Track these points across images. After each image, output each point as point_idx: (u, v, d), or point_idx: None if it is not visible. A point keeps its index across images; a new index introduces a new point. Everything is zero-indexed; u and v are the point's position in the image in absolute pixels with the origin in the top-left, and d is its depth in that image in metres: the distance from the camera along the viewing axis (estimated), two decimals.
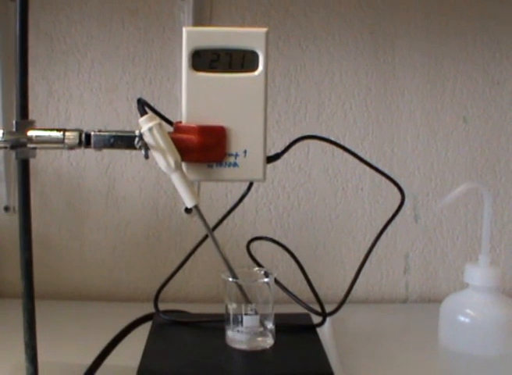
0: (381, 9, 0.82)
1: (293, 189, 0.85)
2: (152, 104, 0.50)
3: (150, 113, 0.48)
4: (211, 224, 0.53)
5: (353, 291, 0.58)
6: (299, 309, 0.59)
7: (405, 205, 0.58)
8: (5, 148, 0.47)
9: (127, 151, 0.64)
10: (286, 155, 0.54)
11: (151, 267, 0.85)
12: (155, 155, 0.48)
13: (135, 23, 0.82)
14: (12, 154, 0.48)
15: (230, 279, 0.52)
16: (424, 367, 0.62)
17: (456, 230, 0.86)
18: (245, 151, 0.50)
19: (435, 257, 0.86)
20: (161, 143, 0.47)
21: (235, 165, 0.50)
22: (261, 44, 0.49)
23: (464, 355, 0.53)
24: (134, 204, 0.84)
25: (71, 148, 0.48)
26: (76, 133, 0.48)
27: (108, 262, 0.85)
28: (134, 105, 0.59)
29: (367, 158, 0.56)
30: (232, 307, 0.53)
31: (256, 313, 0.52)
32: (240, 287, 0.52)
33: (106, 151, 0.80)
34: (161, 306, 0.60)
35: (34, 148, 0.48)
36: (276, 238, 0.60)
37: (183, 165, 0.50)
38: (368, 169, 0.56)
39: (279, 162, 0.55)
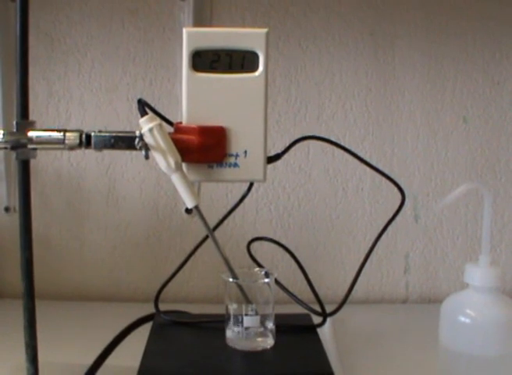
0: (381, 9, 0.83)
1: (293, 189, 0.85)
2: (152, 104, 0.50)
3: (150, 114, 0.48)
4: (212, 224, 0.53)
5: (353, 292, 0.58)
6: (299, 310, 0.59)
7: (405, 205, 0.58)
8: (6, 148, 0.47)
9: (127, 152, 0.64)
10: (286, 156, 0.54)
11: (151, 267, 0.85)
12: (156, 155, 0.48)
13: (135, 23, 0.82)
14: (13, 154, 0.48)
15: (231, 279, 0.52)
16: (424, 367, 0.62)
17: (457, 230, 0.86)
18: (245, 152, 0.50)
19: (436, 257, 0.86)
20: (162, 143, 0.47)
21: (235, 165, 0.50)
22: (262, 45, 0.50)
23: (464, 355, 0.53)
24: (134, 204, 0.84)
25: (71, 148, 0.48)
26: (76, 134, 0.48)
27: (108, 262, 0.85)
28: (134, 105, 0.60)
29: (367, 158, 0.56)
30: (232, 307, 0.53)
31: (256, 313, 0.52)
32: (240, 287, 0.52)
33: (106, 152, 0.79)
34: (162, 306, 0.60)
35: (35, 149, 0.48)
36: (276, 238, 0.60)
37: (184, 165, 0.49)
38: (368, 169, 0.56)
39: (279, 163, 0.55)
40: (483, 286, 0.54)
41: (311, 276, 0.59)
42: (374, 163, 0.56)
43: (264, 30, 0.50)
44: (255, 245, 0.60)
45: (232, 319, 0.53)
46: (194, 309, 0.65)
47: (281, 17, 0.82)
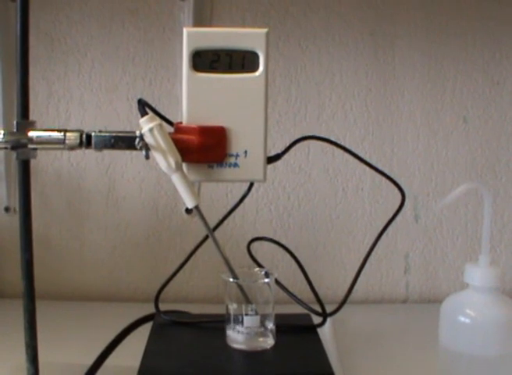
0: (381, 10, 0.83)
1: (293, 189, 0.85)
2: (153, 104, 0.50)
3: (150, 114, 0.48)
4: (212, 224, 0.53)
5: (353, 291, 0.58)
6: (299, 310, 0.59)
7: (405, 205, 0.58)
8: (6, 148, 0.47)
9: (127, 152, 0.64)
10: (286, 156, 0.54)
11: (151, 267, 0.85)
12: (156, 155, 0.48)
13: (135, 24, 0.82)
14: (13, 154, 0.48)
15: (231, 279, 0.52)
16: (424, 367, 0.62)
17: (456, 230, 0.86)
18: (245, 152, 0.50)
19: (435, 257, 0.86)
20: (162, 143, 0.47)
21: (235, 165, 0.50)
22: (262, 45, 0.50)
23: (464, 355, 0.53)
24: (134, 204, 0.84)
25: (71, 148, 0.48)
26: (76, 134, 0.48)
27: (108, 262, 0.85)
28: (134, 105, 0.60)
29: (367, 158, 0.56)
30: (232, 307, 0.53)
31: (256, 313, 0.52)
32: (240, 287, 0.52)
33: (106, 152, 0.79)
34: (162, 306, 0.60)
35: (35, 149, 0.48)
36: (276, 238, 0.60)
37: (184, 165, 0.49)
38: (368, 169, 0.56)
39: (279, 163, 0.55)
40: (483, 286, 0.54)
41: (311, 276, 0.59)
42: (374, 163, 0.56)
43: (264, 30, 0.50)
44: (255, 245, 0.60)
45: (232, 319, 0.53)
46: (194, 309, 0.65)
47: (281, 17, 0.82)
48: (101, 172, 0.83)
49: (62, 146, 0.48)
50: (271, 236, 0.61)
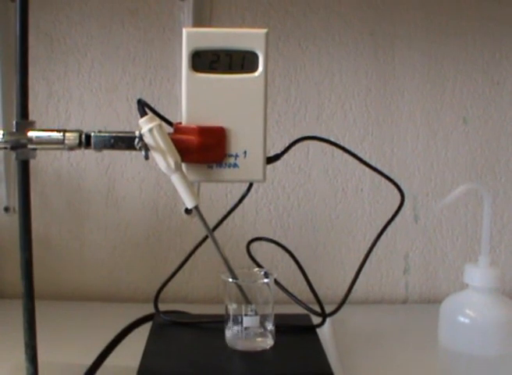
0: (381, 10, 0.83)
1: (292, 189, 0.85)
2: (152, 105, 0.50)
3: (150, 114, 0.48)
4: (211, 225, 0.53)
5: (353, 292, 0.58)
6: (299, 310, 0.59)
7: (405, 206, 0.58)
8: (6, 148, 0.47)
9: (127, 152, 0.64)
10: (285, 156, 0.54)
11: (151, 267, 0.85)
12: (155, 155, 0.48)
13: (135, 24, 0.82)
14: (13, 154, 0.48)
15: (230, 279, 0.52)
16: (424, 367, 0.62)
17: (456, 230, 0.86)
18: (245, 152, 0.50)
19: (435, 257, 0.86)
20: (162, 144, 0.47)
21: (235, 165, 0.50)
22: (261, 45, 0.50)
23: (464, 355, 0.53)
24: (134, 204, 0.84)
25: (71, 148, 0.48)
26: (76, 134, 0.48)
27: (108, 263, 0.85)
28: (134, 105, 0.60)
29: (366, 158, 0.56)
30: (232, 308, 0.53)
31: (256, 314, 0.52)
32: (239, 287, 0.52)
33: (106, 152, 0.79)
34: (161, 307, 0.60)
35: (34, 149, 0.48)
36: (276, 239, 0.60)
37: (183, 166, 0.50)
38: (367, 169, 0.56)
39: (278, 163, 0.55)
40: (483, 286, 0.54)
41: (310, 277, 0.59)
42: (373, 163, 0.56)
43: (264, 31, 0.50)
44: (255, 245, 0.60)
45: (231, 319, 0.53)
46: (194, 309, 0.65)
47: (281, 17, 0.82)
48: (100, 172, 0.83)
49: (61, 146, 0.48)
50: (270, 236, 0.61)
